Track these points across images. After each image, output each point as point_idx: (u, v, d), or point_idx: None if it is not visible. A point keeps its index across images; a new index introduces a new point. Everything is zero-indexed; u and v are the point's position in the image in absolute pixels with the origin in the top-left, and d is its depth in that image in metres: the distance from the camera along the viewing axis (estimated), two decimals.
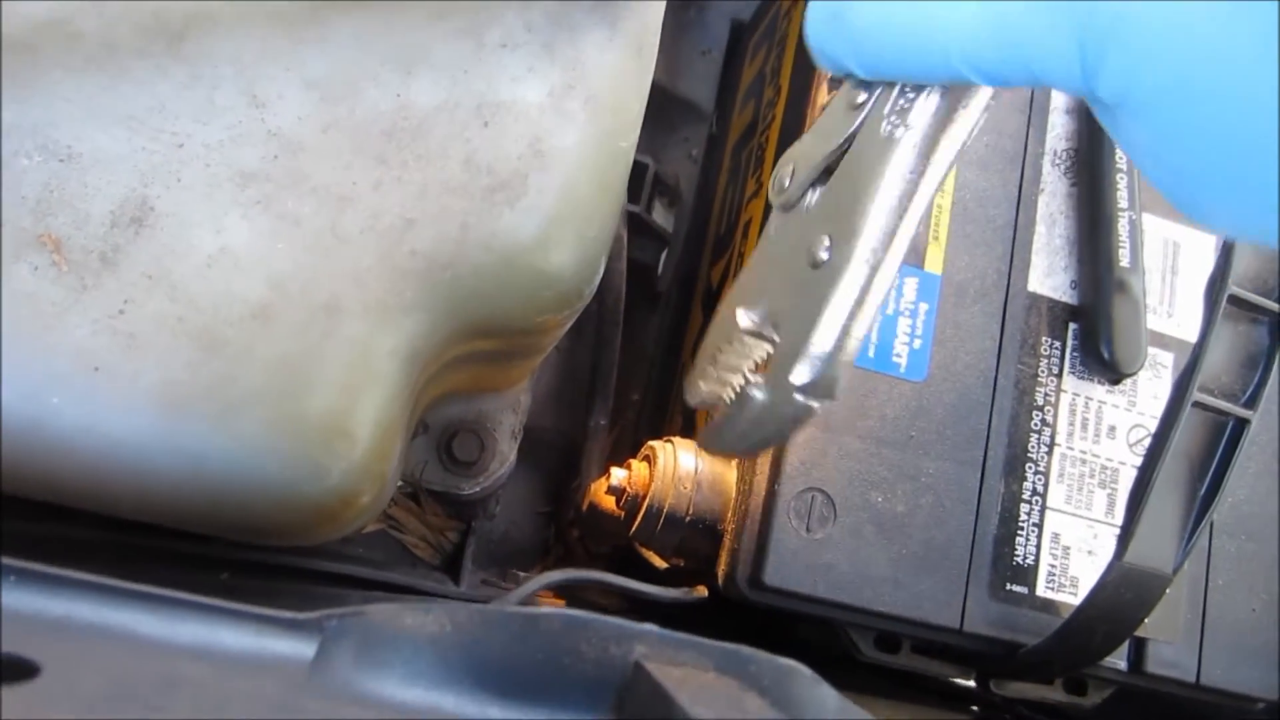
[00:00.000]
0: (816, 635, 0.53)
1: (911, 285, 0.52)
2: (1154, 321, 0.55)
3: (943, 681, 0.57)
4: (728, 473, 0.52)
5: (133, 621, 0.27)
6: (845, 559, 0.48)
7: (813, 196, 0.38)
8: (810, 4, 0.36)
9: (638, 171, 0.68)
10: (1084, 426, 0.53)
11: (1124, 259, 0.53)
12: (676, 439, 0.53)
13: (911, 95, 0.35)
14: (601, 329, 0.64)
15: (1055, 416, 0.53)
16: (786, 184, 0.39)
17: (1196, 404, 0.46)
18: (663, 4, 0.44)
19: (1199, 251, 0.57)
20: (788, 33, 0.64)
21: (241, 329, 0.37)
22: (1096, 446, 0.53)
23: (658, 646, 0.32)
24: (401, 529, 0.58)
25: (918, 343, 0.52)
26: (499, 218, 0.40)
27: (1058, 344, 0.54)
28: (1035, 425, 0.53)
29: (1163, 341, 0.55)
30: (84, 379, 0.36)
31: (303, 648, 0.29)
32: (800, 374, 0.35)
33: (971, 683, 0.56)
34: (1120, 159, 0.55)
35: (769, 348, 0.37)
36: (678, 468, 0.51)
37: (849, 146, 0.37)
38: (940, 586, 0.49)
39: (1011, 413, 0.52)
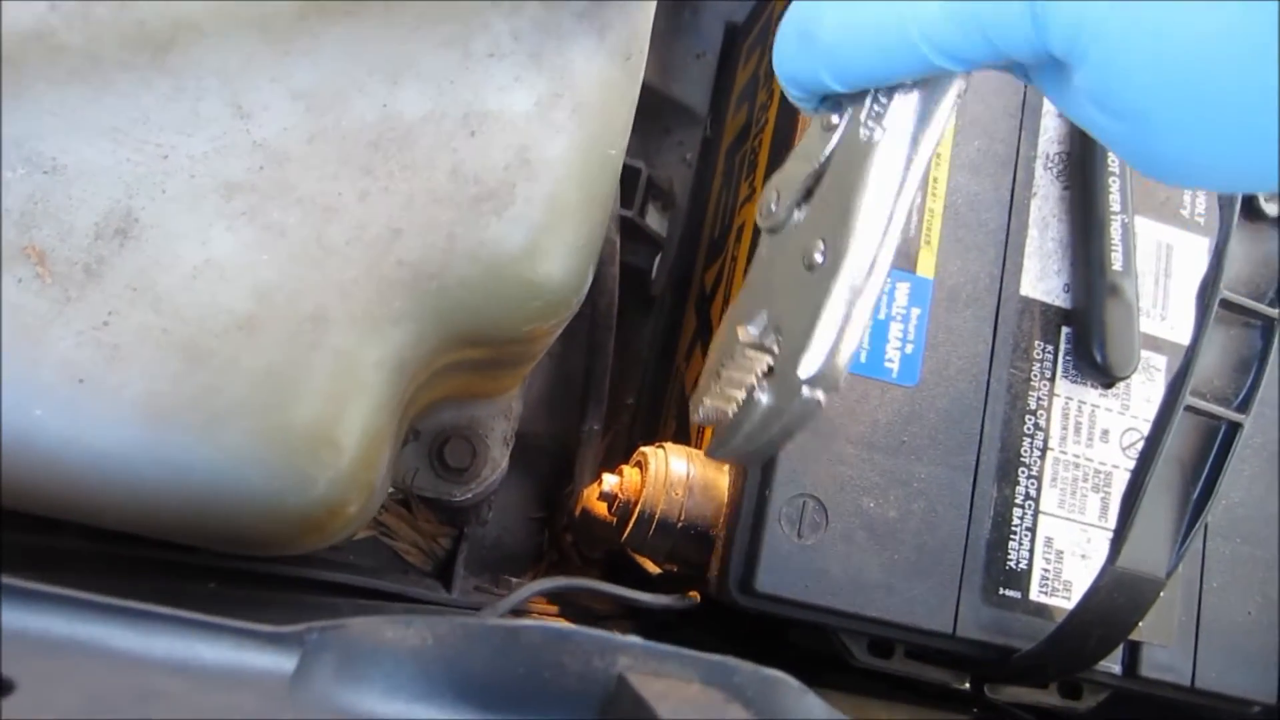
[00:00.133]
0: (809, 641, 0.53)
1: (903, 290, 0.52)
2: (1147, 325, 0.54)
3: (939, 685, 0.57)
4: (720, 478, 0.52)
5: (108, 636, 0.27)
6: (837, 564, 0.48)
7: (799, 215, 0.39)
8: (778, 36, 0.37)
9: (631, 176, 0.67)
10: (1077, 430, 0.53)
11: (1116, 262, 0.53)
12: (668, 444, 0.53)
13: (884, 100, 0.37)
14: (594, 334, 0.64)
15: (1048, 420, 0.53)
16: (773, 208, 0.40)
17: (1189, 408, 0.46)
18: (651, 9, 0.44)
19: (1192, 254, 0.56)
20: None
21: (226, 340, 0.37)
22: (1090, 450, 0.53)
23: (641, 658, 0.31)
24: (393, 536, 0.58)
25: (910, 348, 0.52)
26: (486, 227, 0.40)
27: (1050, 348, 0.54)
28: (1028, 429, 0.52)
29: (1156, 345, 0.55)
30: (68, 391, 0.36)
31: (283, 661, 0.29)
32: (807, 367, 0.36)
33: (966, 687, 0.56)
34: (1112, 162, 0.54)
35: (771, 358, 0.38)
36: (669, 473, 0.51)
37: (829, 163, 0.38)
38: (933, 591, 0.49)
39: (1004, 417, 0.52)
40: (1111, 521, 0.52)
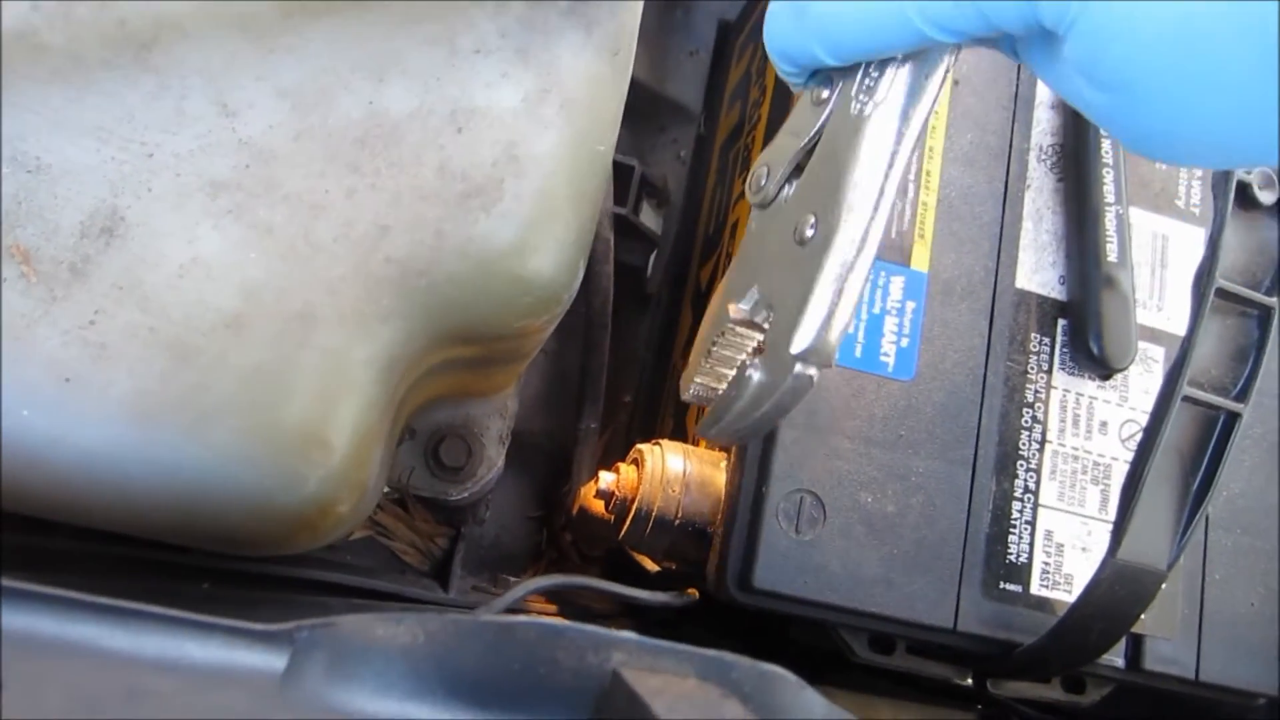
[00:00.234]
0: (810, 637, 0.53)
1: (898, 284, 0.52)
2: (1144, 316, 0.54)
3: (941, 681, 0.56)
4: (716, 475, 0.52)
5: (96, 635, 0.26)
6: (835, 560, 0.48)
7: (789, 190, 0.39)
8: (769, 12, 0.37)
9: (625, 173, 0.67)
10: (1075, 423, 0.53)
11: (1112, 253, 0.53)
12: (665, 441, 0.53)
13: (875, 74, 0.37)
14: (590, 332, 0.64)
15: (1046, 413, 0.53)
16: (763, 183, 0.40)
17: (1187, 398, 0.46)
18: (640, 5, 0.44)
19: (1187, 244, 0.56)
20: None
21: (214, 338, 0.37)
22: (1088, 442, 0.53)
23: (636, 654, 0.31)
24: (389, 535, 0.58)
25: (905, 341, 0.51)
26: (475, 224, 0.40)
27: (1047, 340, 0.53)
28: (1026, 422, 0.52)
29: (1153, 336, 0.54)
30: (55, 390, 0.35)
31: (273, 660, 0.28)
32: (799, 342, 0.36)
33: (969, 682, 0.56)
34: (1106, 154, 0.54)
35: (761, 335, 0.38)
36: (666, 470, 0.51)
37: (819, 139, 0.38)
38: (932, 586, 0.49)
39: (1001, 410, 0.52)
40: (1111, 514, 0.52)
